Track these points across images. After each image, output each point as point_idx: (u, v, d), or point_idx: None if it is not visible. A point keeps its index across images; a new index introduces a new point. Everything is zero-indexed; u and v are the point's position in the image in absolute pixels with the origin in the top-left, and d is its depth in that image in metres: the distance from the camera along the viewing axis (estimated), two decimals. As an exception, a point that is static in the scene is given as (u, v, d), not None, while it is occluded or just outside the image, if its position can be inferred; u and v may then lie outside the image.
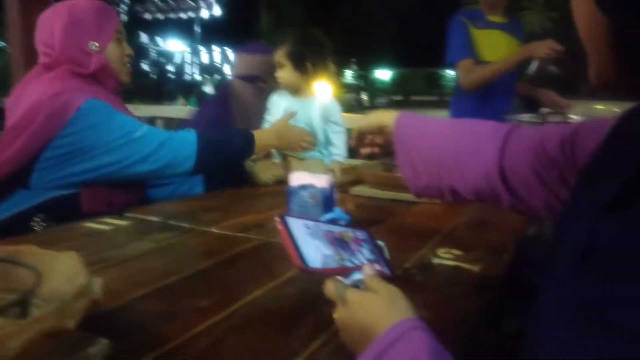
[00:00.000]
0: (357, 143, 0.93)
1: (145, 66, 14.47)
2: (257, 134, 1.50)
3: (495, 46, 2.21)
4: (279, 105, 1.81)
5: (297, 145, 1.59)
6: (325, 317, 0.66)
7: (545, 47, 1.99)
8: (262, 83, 1.93)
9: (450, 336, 0.59)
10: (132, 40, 15.02)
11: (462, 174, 0.74)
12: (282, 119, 1.61)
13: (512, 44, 2.27)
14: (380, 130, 0.88)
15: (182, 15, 13.12)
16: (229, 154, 1.45)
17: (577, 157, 0.64)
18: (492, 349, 0.88)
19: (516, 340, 0.99)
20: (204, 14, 12.48)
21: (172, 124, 4.43)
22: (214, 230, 1.09)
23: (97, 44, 1.30)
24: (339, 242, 0.59)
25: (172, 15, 13.50)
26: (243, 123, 1.88)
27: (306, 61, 1.76)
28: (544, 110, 2.06)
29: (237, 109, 1.92)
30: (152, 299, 0.72)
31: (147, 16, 14.12)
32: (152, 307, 0.69)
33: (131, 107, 1.76)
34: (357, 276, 0.56)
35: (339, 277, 0.55)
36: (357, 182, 1.54)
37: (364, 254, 0.61)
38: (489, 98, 2.21)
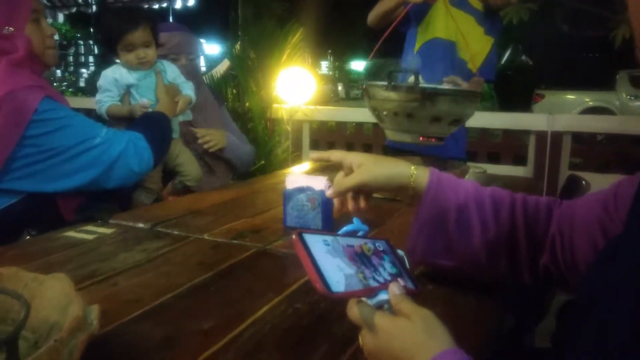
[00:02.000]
0: (338, 196, 0.73)
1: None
2: (160, 109, 1.54)
3: (454, 29, 1.92)
4: (127, 80, 1.61)
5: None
6: (340, 337, 0.62)
7: None
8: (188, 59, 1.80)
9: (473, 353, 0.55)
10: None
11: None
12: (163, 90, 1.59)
13: (479, 37, 1.99)
14: (396, 187, 0.69)
15: (155, 6, 12.79)
16: (166, 137, 1.51)
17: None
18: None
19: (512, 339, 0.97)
20: (178, 4, 12.18)
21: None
22: (207, 237, 1.03)
23: (11, 28, 1.19)
24: (360, 258, 0.55)
25: (144, 6, 13.13)
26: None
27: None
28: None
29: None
30: (148, 321, 0.67)
31: (118, 6, 13.71)
32: (150, 331, 0.64)
33: None
34: (382, 296, 0.51)
35: (364, 298, 0.51)
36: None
37: (386, 268, 0.57)
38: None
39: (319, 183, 1.07)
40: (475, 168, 2.44)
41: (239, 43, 4.33)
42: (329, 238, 0.54)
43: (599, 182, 2.66)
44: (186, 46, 1.75)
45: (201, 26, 13.04)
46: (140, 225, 1.10)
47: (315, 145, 3.93)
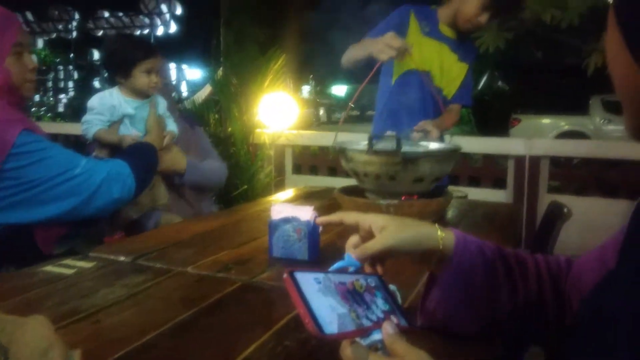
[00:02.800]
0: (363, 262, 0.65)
1: (97, 83, 14.01)
2: (149, 140, 1.58)
3: (429, 59, 1.91)
4: (125, 109, 1.66)
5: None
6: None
7: (379, 44, 1.58)
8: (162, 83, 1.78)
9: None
10: (83, 57, 14.52)
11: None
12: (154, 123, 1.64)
13: (453, 64, 1.98)
14: (423, 251, 0.65)
15: (136, 32, 12.81)
16: (151, 168, 1.51)
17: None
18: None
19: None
20: (160, 30, 12.23)
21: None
22: (190, 270, 1.01)
23: None
24: (352, 295, 0.54)
25: (125, 32, 13.15)
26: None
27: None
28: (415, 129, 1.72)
29: None
30: (132, 363, 0.64)
31: (99, 33, 13.70)
32: (134, 374, 0.61)
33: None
34: (376, 336, 0.51)
35: (357, 339, 0.50)
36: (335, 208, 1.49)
37: (378, 305, 0.56)
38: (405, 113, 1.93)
39: (305, 213, 1.06)
40: (457, 192, 2.47)
41: (221, 69, 4.35)
42: (320, 276, 0.53)
43: (578, 206, 2.71)
44: (160, 70, 1.76)
45: (183, 52, 13.09)
46: (121, 258, 1.07)
47: (297, 169, 3.93)
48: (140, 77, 1.60)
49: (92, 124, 1.58)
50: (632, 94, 0.42)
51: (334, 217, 0.70)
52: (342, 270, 0.60)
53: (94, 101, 1.62)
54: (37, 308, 0.80)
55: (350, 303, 0.53)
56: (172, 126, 1.71)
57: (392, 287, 0.63)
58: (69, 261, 1.05)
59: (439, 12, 1.96)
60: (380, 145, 1.37)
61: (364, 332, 0.51)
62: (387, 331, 0.50)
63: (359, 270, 0.62)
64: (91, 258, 1.08)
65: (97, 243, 1.41)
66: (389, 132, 1.59)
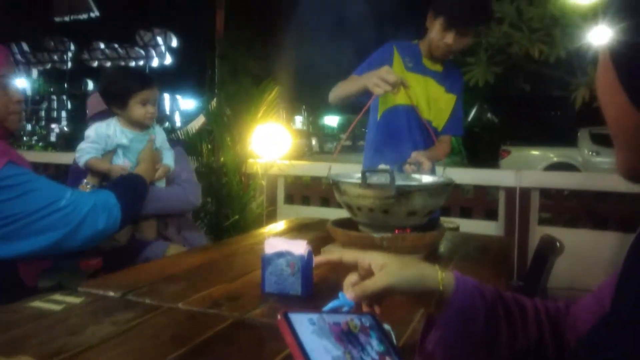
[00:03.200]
0: (362, 300, 0.64)
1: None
2: (139, 171, 1.59)
3: (415, 93, 1.87)
4: (120, 140, 1.68)
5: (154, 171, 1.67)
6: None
7: (374, 77, 1.58)
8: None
9: None
10: (78, 87, 14.62)
11: None
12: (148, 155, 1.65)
13: (440, 96, 1.98)
14: (422, 291, 0.63)
15: (132, 64, 12.95)
16: (139, 200, 1.52)
17: None
18: None
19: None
20: (155, 62, 12.38)
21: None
22: (181, 306, 0.99)
23: None
24: (347, 337, 0.54)
25: (121, 63, 13.28)
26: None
27: None
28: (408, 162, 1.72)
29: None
30: (119, 405, 0.62)
31: (94, 64, 13.84)
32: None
33: (73, 156, 1.69)
34: None
35: None
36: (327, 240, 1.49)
37: (373, 346, 0.55)
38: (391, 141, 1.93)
39: (299, 247, 1.05)
40: (449, 223, 2.47)
41: (215, 99, 4.39)
42: (314, 317, 0.53)
43: (569, 238, 2.72)
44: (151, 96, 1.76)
45: (177, 83, 13.23)
46: (110, 293, 1.05)
47: (290, 199, 3.93)
48: (136, 108, 1.62)
49: (85, 152, 1.61)
50: (625, 131, 0.42)
51: (333, 256, 0.70)
52: (336, 310, 0.60)
53: (90, 130, 1.64)
54: (22, 346, 0.78)
55: (345, 345, 0.52)
56: (168, 159, 1.71)
57: (386, 326, 0.62)
58: (57, 296, 1.03)
59: (420, 46, 1.97)
60: (374, 179, 1.38)
61: None
62: None
63: (353, 310, 0.61)
64: (80, 293, 1.06)
65: (83, 275, 1.39)
66: (382, 166, 1.59)
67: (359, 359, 0.51)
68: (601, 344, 0.47)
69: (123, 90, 1.62)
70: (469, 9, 1.77)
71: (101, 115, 1.74)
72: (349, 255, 0.68)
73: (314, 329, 0.51)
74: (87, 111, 1.89)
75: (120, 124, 1.65)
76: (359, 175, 1.38)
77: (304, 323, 0.50)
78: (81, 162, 1.60)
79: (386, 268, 0.63)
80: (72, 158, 1.77)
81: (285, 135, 3.73)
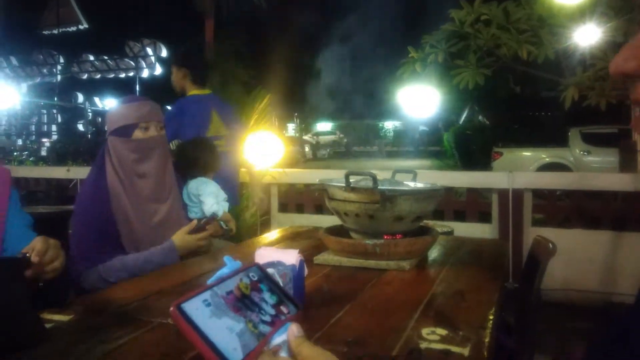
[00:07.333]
0: None
1: (80, 126, 13.98)
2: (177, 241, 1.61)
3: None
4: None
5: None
6: None
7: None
8: (140, 131, 1.64)
9: None
10: (68, 100, 14.55)
11: None
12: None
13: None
14: None
15: (121, 75, 12.92)
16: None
17: None
18: None
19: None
20: (145, 73, 12.35)
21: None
22: (171, 322, 0.97)
23: None
24: (243, 303, 0.53)
25: (110, 75, 13.24)
26: (128, 181, 1.63)
27: None
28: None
29: (117, 170, 1.63)
30: None
31: (84, 76, 13.79)
32: None
33: (64, 169, 1.64)
34: (277, 340, 0.52)
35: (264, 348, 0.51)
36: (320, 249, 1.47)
37: (267, 301, 0.56)
38: None
39: (290, 257, 1.04)
40: (443, 227, 2.46)
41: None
42: (207, 295, 0.51)
43: (562, 239, 2.72)
44: (156, 114, 1.71)
45: (168, 93, 13.22)
46: (101, 310, 1.04)
47: (284, 208, 3.91)
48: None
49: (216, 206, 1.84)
50: None
51: None
52: (224, 278, 0.57)
53: (211, 187, 1.88)
54: (8, 369, 0.76)
55: (244, 312, 0.52)
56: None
57: (270, 270, 0.62)
58: (45, 314, 1.01)
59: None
60: (361, 184, 1.38)
61: (266, 341, 0.51)
62: (293, 333, 0.52)
63: (239, 270, 0.60)
64: (69, 310, 1.04)
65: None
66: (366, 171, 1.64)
67: (260, 323, 0.52)
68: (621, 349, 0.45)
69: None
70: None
71: (122, 130, 1.63)
72: None
73: (211, 310, 0.49)
74: (107, 126, 1.72)
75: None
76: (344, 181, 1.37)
77: (199, 309, 0.48)
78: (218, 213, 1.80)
79: None
80: (63, 172, 1.72)
81: (277, 143, 3.72)
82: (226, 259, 0.63)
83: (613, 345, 0.48)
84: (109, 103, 16.70)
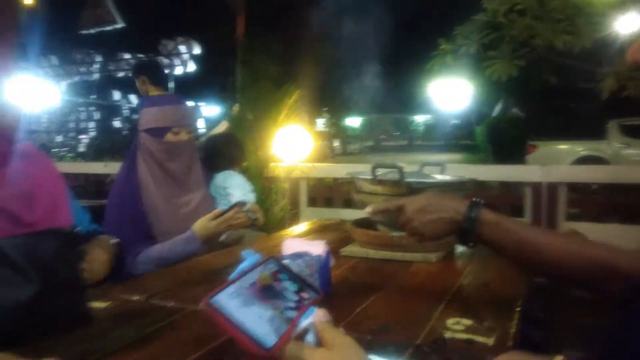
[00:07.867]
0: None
1: (117, 123, 14.39)
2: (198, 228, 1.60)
3: None
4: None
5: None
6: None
7: None
8: (172, 134, 1.67)
9: None
10: (105, 98, 14.98)
11: None
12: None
13: None
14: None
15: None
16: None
17: None
18: None
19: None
20: (178, 70, 12.58)
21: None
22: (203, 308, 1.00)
23: None
24: (268, 293, 0.55)
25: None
26: (158, 175, 1.68)
27: None
28: None
29: (148, 164, 1.68)
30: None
31: (120, 74, 14.17)
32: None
33: (101, 165, 1.70)
34: (304, 323, 0.54)
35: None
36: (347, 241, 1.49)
37: (289, 289, 0.58)
38: None
39: (317, 248, 1.06)
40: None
41: (236, 105, 4.44)
42: (231, 289, 0.53)
43: (597, 233, 2.64)
44: (187, 119, 1.73)
45: (200, 89, 13.42)
46: (136, 297, 1.08)
47: (312, 202, 3.94)
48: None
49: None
50: None
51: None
52: (245, 272, 0.59)
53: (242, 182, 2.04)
54: (50, 349, 0.81)
55: (270, 301, 0.54)
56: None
57: (285, 261, 0.70)
58: (84, 301, 1.06)
59: None
60: (388, 176, 1.38)
61: (294, 324, 0.53)
62: (319, 318, 0.54)
63: (257, 263, 0.61)
64: (105, 297, 1.09)
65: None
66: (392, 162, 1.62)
67: (286, 309, 0.54)
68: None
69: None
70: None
71: (154, 131, 1.67)
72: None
73: (240, 301, 0.51)
74: (140, 122, 1.73)
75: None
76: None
77: (229, 301, 0.51)
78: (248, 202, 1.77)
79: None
80: (101, 167, 1.78)
81: (306, 138, 3.74)
82: (244, 253, 0.65)
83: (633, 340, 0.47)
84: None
